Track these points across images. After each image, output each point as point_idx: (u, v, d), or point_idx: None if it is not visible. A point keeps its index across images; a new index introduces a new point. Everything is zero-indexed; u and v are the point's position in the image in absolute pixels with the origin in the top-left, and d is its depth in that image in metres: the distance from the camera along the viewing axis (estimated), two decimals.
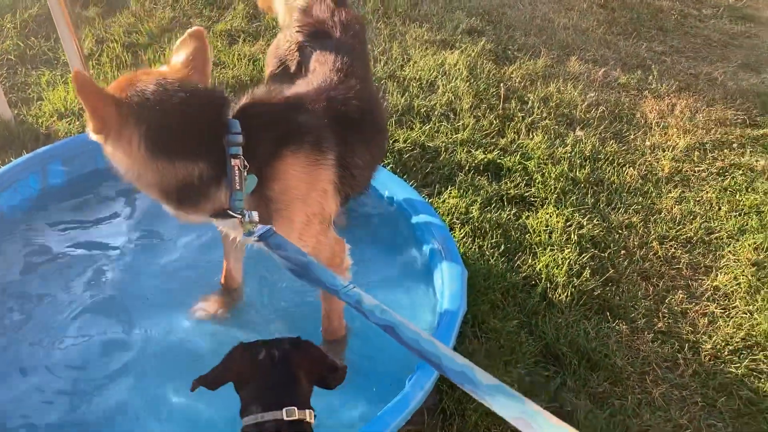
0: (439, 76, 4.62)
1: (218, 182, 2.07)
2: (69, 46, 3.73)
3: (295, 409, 1.80)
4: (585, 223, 3.51)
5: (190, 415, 2.40)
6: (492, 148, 4.00)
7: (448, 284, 2.67)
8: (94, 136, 2.01)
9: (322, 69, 2.50)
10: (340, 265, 2.47)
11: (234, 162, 2.03)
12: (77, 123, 3.76)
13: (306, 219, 2.27)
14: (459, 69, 4.70)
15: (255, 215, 2.08)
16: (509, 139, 4.09)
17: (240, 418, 1.86)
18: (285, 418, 1.77)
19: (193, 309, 2.76)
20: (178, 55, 2.16)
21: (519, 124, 4.24)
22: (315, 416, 1.87)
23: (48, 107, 3.88)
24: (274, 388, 1.83)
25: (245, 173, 2.06)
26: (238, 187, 2.04)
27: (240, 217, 2.07)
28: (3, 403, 2.41)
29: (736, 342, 2.98)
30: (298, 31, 2.67)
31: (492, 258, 3.23)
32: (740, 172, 4.09)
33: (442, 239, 2.92)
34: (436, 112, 4.25)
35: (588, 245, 3.39)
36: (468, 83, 4.55)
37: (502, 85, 4.54)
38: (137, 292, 2.85)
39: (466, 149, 3.95)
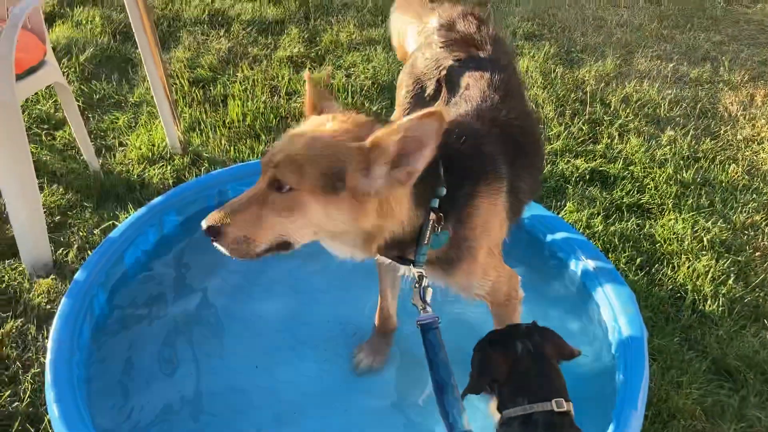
0: None
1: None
2: (158, 89, 3.61)
3: (563, 400, 1.86)
4: (710, 227, 3.39)
5: None
6: (591, 155, 3.88)
7: (619, 308, 2.54)
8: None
9: (477, 86, 2.36)
10: (515, 297, 2.34)
11: (432, 215, 1.91)
12: (169, 168, 3.61)
13: (488, 252, 2.15)
14: (533, 76, 4.59)
15: (429, 292, 1.97)
16: (604, 145, 3.98)
17: (498, 411, 1.96)
18: (555, 409, 1.83)
19: (355, 362, 2.61)
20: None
21: (609, 129, 4.13)
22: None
23: (134, 153, 3.72)
24: (540, 380, 1.89)
25: (439, 228, 1.94)
26: (426, 242, 1.93)
27: (417, 275, 1.97)
28: None
29: None
30: (442, 48, 2.52)
31: (631, 273, 3.10)
32: None
33: (594, 257, 2.78)
34: None
35: (721, 250, 3.27)
36: (545, 90, 4.44)
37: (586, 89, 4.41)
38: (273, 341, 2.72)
39: (565, 159, 3.83)
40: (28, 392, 2.52)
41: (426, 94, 2.58)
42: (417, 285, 1.97)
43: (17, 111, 2.81)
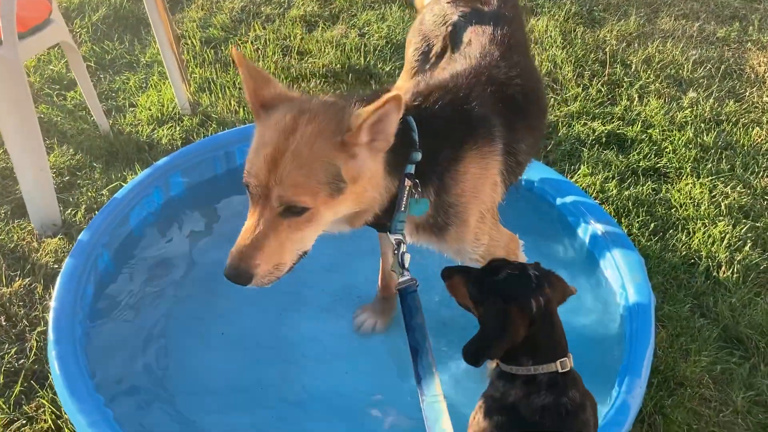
0: (532, 45, 4.38)
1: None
2: (167, 51, 3.58)
3: (567, 360, 1.74)
4: (729, 192, 3.29)
5: None
6: (609, 118, 3.77)
7: (628, 274, 2.48)
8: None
9: (479, 41, 2.28)
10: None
11: (407, 182, 1.87)
12: (178, 129, 3.58)
13: (480, 216, 2.10)
14: (552, 35, 4.46)
15: (407, 258, 1.93)
16: (623, 107, 3.86)
17: (495, 362, 1.81)
18: (560, 370, 1.71)
19: (357, 323, 2.60)
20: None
21: (629, 90, 4.01)
22: None
23: (144, 114, 3.70)
24: (545, 339, 1.73)
25: (416, 195, 1.90)
26: (402, 209, 1.89)
27: (395, 242, 1.94)
28: None
29: None
30: (449, 2, 2.44)
31: (643, 238, 3.03)
32: None
33: (604, 222, 2.72)
34: None
35: (739, 216, 3.18)
36: (564, 50, 4.31)
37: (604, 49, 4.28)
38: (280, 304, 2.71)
39: (582, 121, 3.73)
40: (34, 350, 2.55)
41: (432, 53, 2.50)
42: (395, 252, 1.94)
43: (20, 69, 2.79)
